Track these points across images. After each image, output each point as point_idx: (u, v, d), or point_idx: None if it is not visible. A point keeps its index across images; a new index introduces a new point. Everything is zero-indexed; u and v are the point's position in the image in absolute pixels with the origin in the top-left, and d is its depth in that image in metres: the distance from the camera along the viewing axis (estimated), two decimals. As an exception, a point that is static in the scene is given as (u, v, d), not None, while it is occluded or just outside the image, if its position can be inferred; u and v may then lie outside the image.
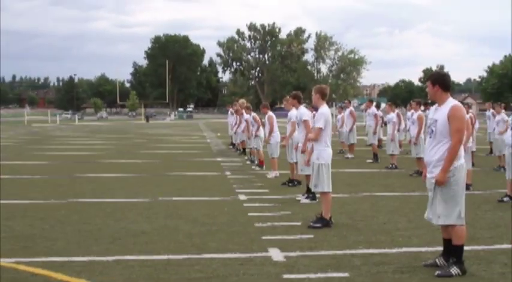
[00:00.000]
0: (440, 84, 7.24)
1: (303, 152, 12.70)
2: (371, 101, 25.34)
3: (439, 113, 7.18)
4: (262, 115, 19.21)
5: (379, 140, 23.44)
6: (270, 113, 18.00)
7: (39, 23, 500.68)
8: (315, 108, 11.05)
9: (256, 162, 20.04)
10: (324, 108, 10.55)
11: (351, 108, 25.49)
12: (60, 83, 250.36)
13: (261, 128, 19.69)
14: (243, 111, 22.39)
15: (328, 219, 10.02)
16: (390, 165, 19.39)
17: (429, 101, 24.35)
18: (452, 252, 7.17)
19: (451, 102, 7.18)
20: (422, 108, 19.52)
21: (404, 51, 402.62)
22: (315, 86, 11.02)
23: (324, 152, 10.39)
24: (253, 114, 20.30)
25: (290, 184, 15.08)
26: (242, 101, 25.63)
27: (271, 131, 17.53)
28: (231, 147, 29.11)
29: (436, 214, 7.13)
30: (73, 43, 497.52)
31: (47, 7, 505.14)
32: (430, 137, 7.26)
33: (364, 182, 16.14)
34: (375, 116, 23.36)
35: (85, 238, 9.31)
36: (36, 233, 9.72)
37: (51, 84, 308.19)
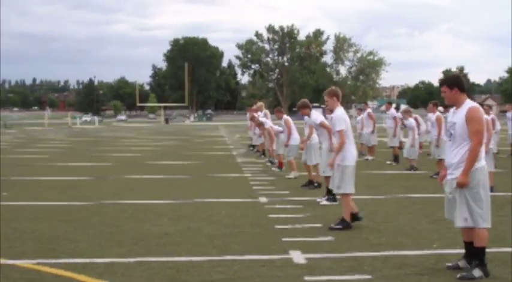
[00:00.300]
0: (458, 87, 7.20)
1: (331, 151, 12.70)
2: (390, 103, 25.26)
3: (457, 116, 7.15)
4: (277, 119, 19.17)
5: (400, 142, 23.31)
6: (285, 116, 18.04)
7: (59, 26, 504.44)
8: (331, 111, 11.01)
9: (275, 163, 20.04)
10: (340, 110, 10.54)
11: (369, 110, 25.36)
12: (80, 86, 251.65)
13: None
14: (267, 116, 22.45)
15: (349, 222, 10.00)
16: (410, 168, 19.28)
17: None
18: (475, 254, 7.13)
19: (468, 103, 7.13)
20: (441, 109, 19.42)
21: (424, 53, 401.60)
22: (327, 89, 11.01)
23: (348, 154, 10.36)
24: (285, 117, 19.64)
25: (311, 186, 15.05)
26: (260, 103, 25.70)
27: (289, 134, 17.55)
28: (251, 148, 29.12)
29: (459, 216, 7.08)
30: (93, 46, 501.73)
31: (67, 11, 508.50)
32: (450, 140, 7.23)
33: (385, 183, 16.10)
34: (394, 118, 23.24)
35: (107, 240, 9.37)
36: (60, 234, 9.79)
37: (71, 87, 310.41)
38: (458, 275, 7.03)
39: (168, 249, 8.68)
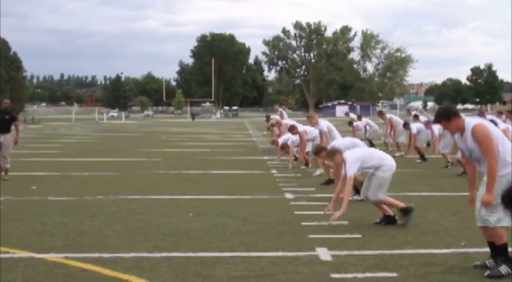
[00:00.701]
0: (455, 115, 7.13)
1: None
2: (416, 117, 24.94)
3: (468, 141, 7.05)
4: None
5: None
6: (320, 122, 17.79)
7: (88, 22, 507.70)
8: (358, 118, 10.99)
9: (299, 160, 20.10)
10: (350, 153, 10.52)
11: (387, 120, 25.21)
12: (108, 82, 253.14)
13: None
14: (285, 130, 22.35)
15: (393, 216, 10.02)
16: (448, 164, 19.14)
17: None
18: (499, 252, 7.10)
19: (469, 125, 7.04)
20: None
21: (452, 50, 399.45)
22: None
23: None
24: (301, 129, 19.65)
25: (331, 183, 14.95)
26: (277, 118, 25.86)
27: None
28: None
29: (480, 217, 7.07)
30: (120, 42, 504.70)
31: (96, 7, 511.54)
32: (478, 164, 7.17)
33: (413, 181, 16.01)
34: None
35: (135, 235, 9.42)
36: (87, 229, 9.87)
37: (99, 82, 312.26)
38: (486, 273, 6.99)
39: (195, 244, 8.71)
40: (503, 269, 6.94)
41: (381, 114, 26.80)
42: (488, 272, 7.01)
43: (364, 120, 28.71)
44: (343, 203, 9.75)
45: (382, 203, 10.19)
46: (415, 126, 22.29)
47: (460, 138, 7.20)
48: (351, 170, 10.00)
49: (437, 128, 19.74)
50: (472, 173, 7.41)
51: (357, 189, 12.31)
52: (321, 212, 10.78)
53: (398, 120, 24.97)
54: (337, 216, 9.68)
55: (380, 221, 10.14)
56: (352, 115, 28.85)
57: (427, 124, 21.88)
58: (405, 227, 9.83)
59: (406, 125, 22.90)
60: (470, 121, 7.09)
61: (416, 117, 25.03)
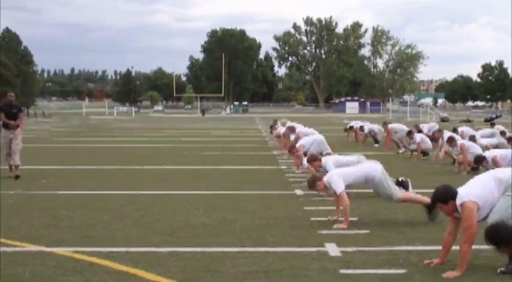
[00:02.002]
0: (452, 199, 7.15)
1: None
2: (410, 133, 24.69)
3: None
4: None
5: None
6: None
7: (98, 16, 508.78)
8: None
9: None
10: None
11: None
12: (118, 76, 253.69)
13: None
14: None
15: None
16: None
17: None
18: None
19: (459, 199, 7.08)
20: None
21: (463, 46, 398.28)
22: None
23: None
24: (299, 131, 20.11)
25: None
26: (284, 121, 25.88)
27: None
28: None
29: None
30: (131, 36, 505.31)
31: (106, 0, 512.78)
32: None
33: (420, 177, 15.95)
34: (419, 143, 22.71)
35: (143, 229, 9.43)
36: (96, 223, 9.88)
37: (109, 77, 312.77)
38: (499, 270, 6.96)
39: (203, 239, 8.70)
40: None
41: (384, 125, 26.53)
42: (501, 268, 6.97)
43: (367, 127, 28.72)
44: (345, 218, 9.71)
45: (408, 200, 10.20)
46: (419, 136, 22.07)
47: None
48: (338, 188, 9.98)
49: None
50: (449, 244, 7.46)
51: None
52: (331, 208, 10.79)
53: (399, 128, 24.84)
54: (340, 227, 9.62)
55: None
56: (366, 128, 28.55)
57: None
58: (434, 222, 9.76)
59: (409, 134, 22.66)
60: (462, 195, 7.12)
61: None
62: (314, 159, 13.30)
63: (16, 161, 15.75)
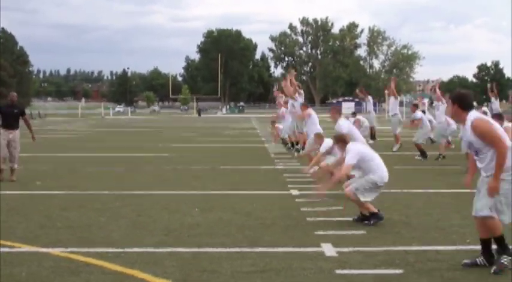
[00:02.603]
0: (459, 104, 7.15)
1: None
2: (415, 106, 24.83)
3: (467, 133, 7.13)
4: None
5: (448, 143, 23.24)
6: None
7: (94, 17, 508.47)
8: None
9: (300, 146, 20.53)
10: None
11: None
12: (114, 77, 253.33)
13: None
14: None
15: (377, 212, 9.93)
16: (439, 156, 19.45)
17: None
18: (497, 244, 7.11)
19: (469, 118, 7.05)
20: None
21: (459, 46, 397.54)
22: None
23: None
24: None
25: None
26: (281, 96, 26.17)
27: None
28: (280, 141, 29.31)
29: (481, 206, 7.03)
30: (127, 37, 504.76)
31: (102, 1, 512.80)
32: (477, 156, 7.16)
33: (417, 178, 15.99)
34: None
35: (139, 230, 9.43)
36: (92, 223, 9.88)
37: (105, 77, 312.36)
38: (492, 270, 6.98)
39: (200, 240, 8.71)
40: (505, 259, 6.97)
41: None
42: (494, 268, 6.99)
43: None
44: (332, 180, 10.00)
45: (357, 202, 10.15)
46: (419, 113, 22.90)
47: (462, 128, 7.27)
48: (350, 160, 10.03)
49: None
50: (473, 159, 7.41)
51: None
52: (327, 208, 10.83)
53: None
54: (319, 189, 9.81)
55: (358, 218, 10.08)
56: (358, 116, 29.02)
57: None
58: (376, 225, 9.74)
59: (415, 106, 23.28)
60: (472, 116, 7.06)
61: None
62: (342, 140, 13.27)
63: (14, 165, 15.37)
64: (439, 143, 21.49)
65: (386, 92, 26.58)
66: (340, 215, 10.56)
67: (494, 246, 7.16)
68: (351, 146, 10.40)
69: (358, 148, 10.38)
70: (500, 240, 7.06)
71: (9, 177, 15.09)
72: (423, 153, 21.28)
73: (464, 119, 7.11)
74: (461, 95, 7.30)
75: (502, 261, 6.99)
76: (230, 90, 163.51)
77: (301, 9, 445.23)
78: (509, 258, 6.98)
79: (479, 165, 7.16)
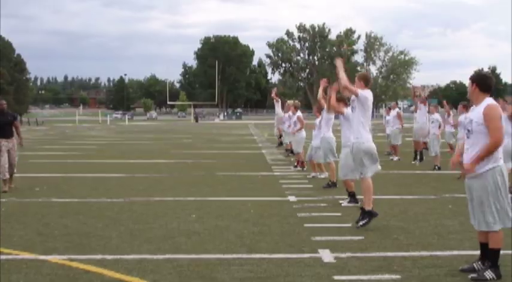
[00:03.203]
0: (478, 84, 7.13)
1: None
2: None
3: (475, 113, 7.10)
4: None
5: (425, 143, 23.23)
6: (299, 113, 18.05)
7: (91, 23, 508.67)
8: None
9: (295, 163, 20.19)
10: (368, 92, 10.40)
11: (398, 110, 25.38)
12: (111, 83, 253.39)
13: (303, 129, 19.84)
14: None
15: (371, 209, 9.92)
16: (435, 167, 19.36)
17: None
18: (489, 256, 7.09)
19: (487, 101, 7.04)
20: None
21: (456, 52, 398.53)
22: (358, 73, 10.94)
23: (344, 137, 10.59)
24: (298, 114, 20.44)
25: (325, 186, 14.96)
26: (290, 102, 25.68)
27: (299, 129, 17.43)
28: (277, 146, 29.34)
29: (481, 220, 7.02)
30: (124, 44, 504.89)
31: (99, 8, 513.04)
32: (468, 138, 7.17)
33: (414, 184, 16.00)
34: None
35: (137, 237, 9.43)
36: (90, 231, 9.88)
37: (102, 84, 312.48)
38: (470, 276, 6.99)
39: (197, 246, 8.71)
40: (489, 274, 6.94)
41: None
42: (473, 275, 7.01)
43: None
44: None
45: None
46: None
47: (472, 109, 7.25)
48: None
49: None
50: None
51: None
52: (325, 214, 10.84)
53: None
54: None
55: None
56: None
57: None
58: (373, 231, 9.78)
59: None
60: (491, 100, 7.07)
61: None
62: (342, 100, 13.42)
63: (13, 170, 15.16)
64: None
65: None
66: (337, 220, 10.58)
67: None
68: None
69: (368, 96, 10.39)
70: (496, 255, 7.03)
71: (9, 185, 14.92)
72: (417, 155, 21.41)
73: (480, 100, 7.10)
74: (482, 76, 7.29)
75: (486, 274, 6.96)
76: (227, 96, 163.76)
77: (298, 15, 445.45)
78: (494, 276, 6.95)
79: (466, 146, 7.18)
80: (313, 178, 16.75)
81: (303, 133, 19.81)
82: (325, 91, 14.40)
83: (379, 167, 10.43)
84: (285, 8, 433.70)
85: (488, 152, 6.85)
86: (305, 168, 18.96)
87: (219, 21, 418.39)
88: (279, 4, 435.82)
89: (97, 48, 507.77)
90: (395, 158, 23.30)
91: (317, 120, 16.66)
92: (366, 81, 10.53)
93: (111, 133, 53.93)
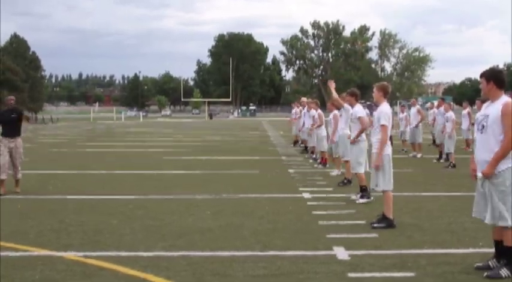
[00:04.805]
0: (495, 81, 7.07)
1: (351, 142, 12.85)
2: (443, 99, 24.80)
3: (492, 109, 7.03)
4: (327, 113, 18.84)
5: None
6: (335, 111, 17.79)
7: (106, 21, 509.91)
8: (376, 106, 10.93)
9: (318, 160, 19.97)
10: (386, 106, 10.42)
11: (418, 106, 25.13)
12: (125, 81, 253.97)
13: (323, 126, 19.71)
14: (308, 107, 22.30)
15: (392, 219, 9.91)
16: (449, 164, 19.31)
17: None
18: (503, 253, 7.06)
19: (504, 98, 6.99)
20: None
21: (471, 49, 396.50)
22: (376, 83, 10.90)
23: (385, 150, 10.21)
24: (319, 111, 20.33)
25: (341, 184, 14.92)
26: (304, 99, 25.62)
27: (335, 129, 17.23)
28: (292, 145, 29.26)
29: (490, 214, 6.98)
30: (138, 41, 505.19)
31: (114, 6, 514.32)
32: (481, 133, 7.10)
33: (428, 181, 15.95)
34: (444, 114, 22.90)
35: (151, 233, 9.45)
36: (105, 227, 9.91)
37: (117, 82, 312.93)
38: (485, 274, 6.96)
39: (211, 243, 8.72)
40: (504, 272, 6.90)
41: None
42: (488, 272, 6.98)
43: None
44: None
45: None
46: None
47: (486, 105, 7.19)
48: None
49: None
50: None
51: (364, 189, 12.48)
52: (339, 212, 10.83)
53: None
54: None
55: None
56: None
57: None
58: (374, 228, 9.77)
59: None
60: (508, 98, 7.02)
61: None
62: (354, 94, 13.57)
63: (18, 175, 14.22)
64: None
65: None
66: (352, 218, 10.56)
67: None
68: (380, 108, 10.44)
69: (386, 110, 10.42)
70: (509, 253, 6.98)
71: (14, 189, 14.06)
72: (441, 156, 21.32)
73: (498, 97, 7.05)
74: (497, 73, 7.26)
75: (501, 272, 6.93)
76: (241, 93, 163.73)
77: (312, 12, 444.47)
78: (509, 273, 6.91)
79: (480, 156, 7.11)
80: (332, 176, 16.67)
81: (324, 131, 19.69)
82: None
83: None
84: (299, 5, 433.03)
85: (505, 152, 6.81)
86: (327, 165, 18.87)
87: (233, 19, 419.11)
88: (293, 0, 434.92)
89: (112, 45, 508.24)
90: (419, 155, 23.19)
91: (330, 117, 16.86)
92: (385, 92, 10.45)
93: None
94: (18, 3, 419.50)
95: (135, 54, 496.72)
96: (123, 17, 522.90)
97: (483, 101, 17.22)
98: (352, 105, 13.56)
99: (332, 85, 14.56)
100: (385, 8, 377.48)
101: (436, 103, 25.18)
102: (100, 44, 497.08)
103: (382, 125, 10.15)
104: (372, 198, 12.27)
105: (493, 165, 6.83)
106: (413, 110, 24.70)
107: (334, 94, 14.99)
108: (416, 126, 23.83)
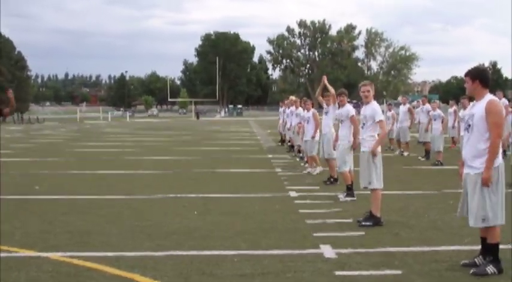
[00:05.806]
0: (480, 80, 7.08)
1: (354, 148, 12.71)
2: (426, 97, 25.02)
3: (477, 108, 7.05)
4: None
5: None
6: (313, 109, 17.86)
7: (93, 21, 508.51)
8: (362, 104, 10.93)
9: (305, 159, 19.96)
10: (376, 104, 10.49)
11: (409, 105, 25.15)
12: (112, 81, 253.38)
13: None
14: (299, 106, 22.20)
15: (379, 217, 9.94)
16: (436, 162, 19.39)
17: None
18: (488, 250, 7.10)
19: (489, 97, 7.02)
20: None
21: (457, 48, 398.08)
22: (365, 80, 10.94)
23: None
24: (313, 110, 20.15)
25: (328, 182, 14.93)
26: (292, 97, 25.57)
27: (316, 128, 17.24)
28: (280, 144, 29.25)
29: (475, 216, 6.99)
30: (125, 41, 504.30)
31: (100, 6, 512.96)
32: (468, 132, 7.14)
33: (415, 179, 16.01)
34: (428, 112, 22.95)
35: (138, 233, 9.42)
36: (91, 228, 9.87)
37: (103, 81, 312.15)
38: (471, 271, 7.00)
39: (198, 243, 8.71)
40: (490, 268, 6.95)
41: None
42: (474, 269, 7.02)
43: None
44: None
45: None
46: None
47: (472, 104, 7.23)
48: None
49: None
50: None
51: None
52: (326, 210, 10.84)
53: None
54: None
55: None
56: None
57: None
58: (361, 226, 9.79)
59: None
60: (492, 96, 7.06)
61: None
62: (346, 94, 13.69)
63: None
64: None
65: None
66: (339, 216, 10.58)
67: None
68: (374, 104, 10.55)
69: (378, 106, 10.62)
70: (495, 250, 7.04)
71: None
72: (428, 154, 21.39)
73: (483, 96, 7.06)
74: (482, 71, 7.27)
75: (487, 269, 6.97)
76: (228, 93, 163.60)
77: (300, 12, 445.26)
78: (495, 270, 6.95)
79: (465, 140, 7.21)
80: (315, 175, 16.71)
81: (317, 135, 19.52)
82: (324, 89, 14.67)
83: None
84: (286, 4, 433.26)
85: (494, 150, 6.85)
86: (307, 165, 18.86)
87: (220, 19, 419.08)
88: (280, 0, 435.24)
89: (98, 45, 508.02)
90: (406, 153, 23.29)
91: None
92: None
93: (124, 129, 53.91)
94: (7, 4, 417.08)
95: (122, 53, 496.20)
96: (110, 17, 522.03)
97: (470, 99, 17.37)
98: (343, 105, 13.50)
99: (325, 80, 14.72)
100: (373, 7, 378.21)
101: (421, 101, 25.24)
102: (86, 44, 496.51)
103: (380, 121, 10.26)
104: (355, 198, 12.32)
105: (489, 168, 6.86)
106: (404, 108, 24.67)
107: (331, 89, 15.04)
108: (410, 126, 23.93)
